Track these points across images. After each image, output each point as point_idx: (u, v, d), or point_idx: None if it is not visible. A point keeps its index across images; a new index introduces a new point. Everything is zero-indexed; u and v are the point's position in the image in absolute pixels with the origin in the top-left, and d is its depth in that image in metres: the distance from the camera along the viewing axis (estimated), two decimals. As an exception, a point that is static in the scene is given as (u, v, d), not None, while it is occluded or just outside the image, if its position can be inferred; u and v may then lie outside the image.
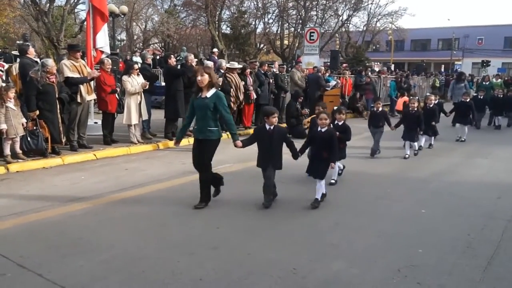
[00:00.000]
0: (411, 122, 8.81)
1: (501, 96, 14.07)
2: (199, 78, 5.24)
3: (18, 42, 18.29)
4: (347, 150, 7.00)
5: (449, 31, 46.85)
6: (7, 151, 7.01)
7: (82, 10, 24.96)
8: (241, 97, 10.90)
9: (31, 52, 7.86)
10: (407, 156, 8.80)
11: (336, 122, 6.73)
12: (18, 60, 8.29)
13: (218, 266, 3.87)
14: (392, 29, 37.88)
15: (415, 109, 8.86)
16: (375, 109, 9.10)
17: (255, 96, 11.36)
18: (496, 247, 4.42)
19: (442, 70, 40.01)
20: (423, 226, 4.99)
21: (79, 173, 6.97)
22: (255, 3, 31.92)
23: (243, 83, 10.98)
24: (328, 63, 21.14)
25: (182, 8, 33.41)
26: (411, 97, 9.59)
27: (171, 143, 9.34)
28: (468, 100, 11.30)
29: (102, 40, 9.67)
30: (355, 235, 4.69)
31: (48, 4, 20.06)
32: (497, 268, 3.97)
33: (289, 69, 15.98)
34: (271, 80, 12.08)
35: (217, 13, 29.37)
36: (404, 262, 4.00)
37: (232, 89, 10.62)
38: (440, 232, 4.83)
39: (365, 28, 36.33)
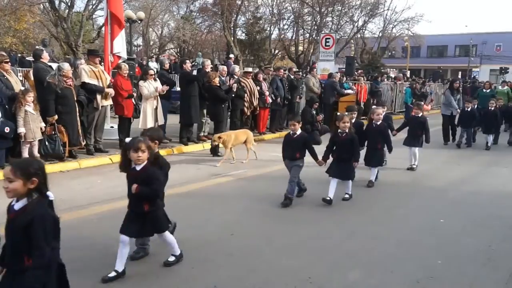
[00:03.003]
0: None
1: (492, 108, 11.15)
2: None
3: (37, 47, 18.61)
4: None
5: (467, 38, 46.26)
6: (26, 154, 7.09)
7: (100, 16, 25.39)
8: (255, 102, 10.89)
9: (45, 57, 7.94)
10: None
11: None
12: (32, 65, 8.42)
13: (232, 273, 3.84)
14: (408, 35, 37.54)
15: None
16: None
17: (270, 101, 11.33)
18: (518, 260, 4.30)
19: (459, 77, 39.50)
20: (442, 237, 4.88)
21: (95, 177, 7.01)
22: (271, 9, 31.96)
23: (258, 88, 10.97)
24: (343, 69, 21.02)
25: (198, 14, 33.64)
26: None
27: (185, 148, 9.38)
28: (420, 115, 8.33)
29: (119, 45, 9.78)
30: (372, 244, 4.61)
31: (67, 10, 20.43)
32: (519, 281, 3.86)
33: (304, 75, 15.94)
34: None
35: (233, 19, 29.50)
36: (423, 274, 3.91)
37: (246, 95, 10.63)
38: (460, 243, 4.71)
39: (381, 34, 36.08)
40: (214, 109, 9.28)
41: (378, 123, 7.06)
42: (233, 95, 9.82)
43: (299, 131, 5.89)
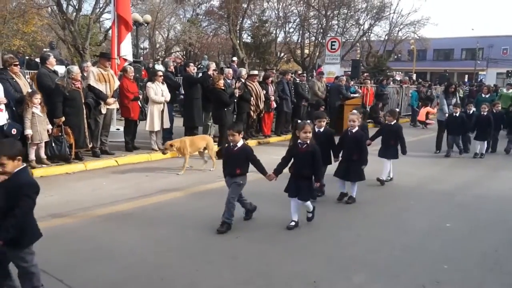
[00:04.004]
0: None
1: (485, 113, 10.19)
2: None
3: (45, 49, 18.76)
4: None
5: (473, 41, 46.06)
6: (32, 156, 7.15)
7: (107, 19, 25.55)
8: (261, 105, 10.90)
9: (50, 63, 7.89)
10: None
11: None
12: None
13: (237, 276, 3.83)
14: (414, 39, 37.41)
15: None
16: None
17: (275, 105, 11.34)
18: (525, 264, 4.26)
19: (466, 80, 39.30)
20: (448, 241, 4.85)
21: (101, 179, 7.04)
22: (276, 12, 32.00)
23: (264, 91, 10.98)
24: (349, 73, 21.00)
25: (204, 17, 33.71)
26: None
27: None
28: (393, 123, 7.50)
29: (126, 48, 9.84)
30: (378, 248, 4.58)
31: (75, 13, 20.58)
32: (527, 286, 3.83)
33: (309, 78, 15.93)
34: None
35: (239, 22, 29.54)
36: (429, 278, 3.89)
37: (252, 98, 10.64)
38: (466, 247, 4.68)
39: (386, 38, 35.98)
40: (217, 112, 9.23)
41: (354, 130, 6.22)
42: (235, 100, 9.76)
43: (240, 143, 5.03)
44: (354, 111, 6.69)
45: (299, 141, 5.10)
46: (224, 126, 9.20)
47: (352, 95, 14.08)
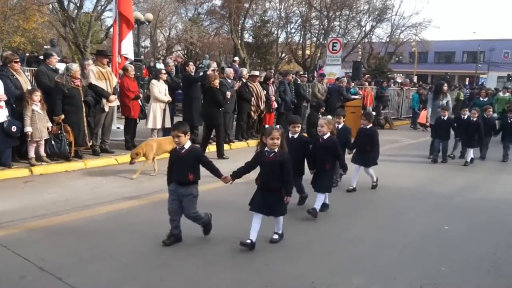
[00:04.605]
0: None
1: (475, 119, 9.62)
2: None
3: (46, 47, 18.76)
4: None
5: (475, 44, 46.08)
6: (32, 153, 7.15)
7: (109, 17, 25.58)
8: (262, 106, 10.90)
9: (51, 62, 7.87)
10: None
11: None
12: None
13: (236, 276, 3.84)
14: (416, 41, 37.45)
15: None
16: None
17: (276, 106, 11.35)
18: (523, 268, 4.26)
19: (467, 83, 39.33)
20: (446, 243, 4.85)
21: (100, 177, 7.05)
22: (278, 12, 32.06)
23: (265, 92, 10.98)
24: (350, 74, 21.01)
25: (205, 16, 33.73)
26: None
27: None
28: (369, 127, 6.98)
29: (127, 46, 9.84)
30: (376, 249, 4.59)
31: (76, 11, 20.61)
32: (524, 290, 3.83)
33: (310, 78, 15.94)
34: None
35: (240, 22, 29.56)
36: (427, 280, 3.89)
37: (253, 98, 10.64)
38: (464, 250, 4.69)
39: (388, 39, 36.02)
40: (208, 110, 9.00)
41: (325, 137, 5.65)
42: (227, 102, 9.56)
43: (187, 144, 4.40)
44: (329, 116, 6.20)
45: (266, 148, 4.46)
46: (219, 126, 9.07)
47: (352, 96, 14.08)
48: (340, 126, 6.90)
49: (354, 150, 7.02)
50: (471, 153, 9.57)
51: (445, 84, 10.61)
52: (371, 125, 7.01)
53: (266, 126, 4.98)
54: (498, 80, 43.18)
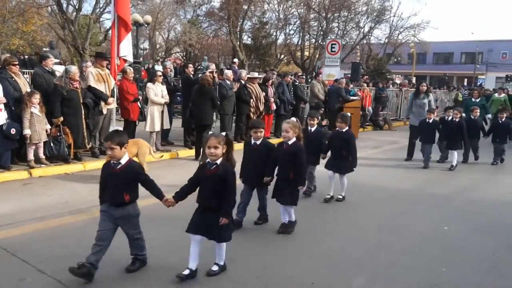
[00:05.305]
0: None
1: (457, 120, 9.19)
2: None
3: (45, 49, 18.75)
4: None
5: (473, 45, 46.20)
6: (31, 156, 7.14)
7: (107, 19, 25.61)
8: (261, 107, 10.90)
9: (47, 63, 7.83)
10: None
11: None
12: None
13: (235, 278, 3.83)
14: (414, 42, 37.51)
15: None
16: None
17: (275, 107, 11.35)
18: (523, 268, 4.27)
19: (465, 84, 39.40)
20: (446, 244, 4.86)
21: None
22: (277, 14, 32.09)
23: (264, 93, 10.99)
24: (349, 75, 21.03)
25: (204, 18, 33.79)
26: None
27: (190, 152, 9.38)
28: (345, 130, 6.36)
29: (126, 48, 9.81)
30: (376, 251, 4.59)
31: (75, 13, 20.61)
32: (524, 290, 3.83)
33: (309, 80, 15.94)
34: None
35: (239, 23, 29.60)
36: (427, 281, 3.89)
37: (252, 100, 10.64)
38: (464, 251, 4.69)
39: (386, 41, 36.08)
40: (201, 110, 8.70)
41: (290, 142, 4.99)
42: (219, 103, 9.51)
43: (125, 159, 3.72)
44: (293, 118, 5.30)
45: (207, 160, 3.79)
46: (208, 127, 8.91)
47: (351, 97, 14.09)
48: (313, 129, 6.27)
49: (328, 155, 6.44)
50: (455, 155, 9.08)
51: (424, 84, 10.37)
52: (347, 128, 6.36)
53: (210, 133, 4.38)
54: (497, 81, 43.21)
